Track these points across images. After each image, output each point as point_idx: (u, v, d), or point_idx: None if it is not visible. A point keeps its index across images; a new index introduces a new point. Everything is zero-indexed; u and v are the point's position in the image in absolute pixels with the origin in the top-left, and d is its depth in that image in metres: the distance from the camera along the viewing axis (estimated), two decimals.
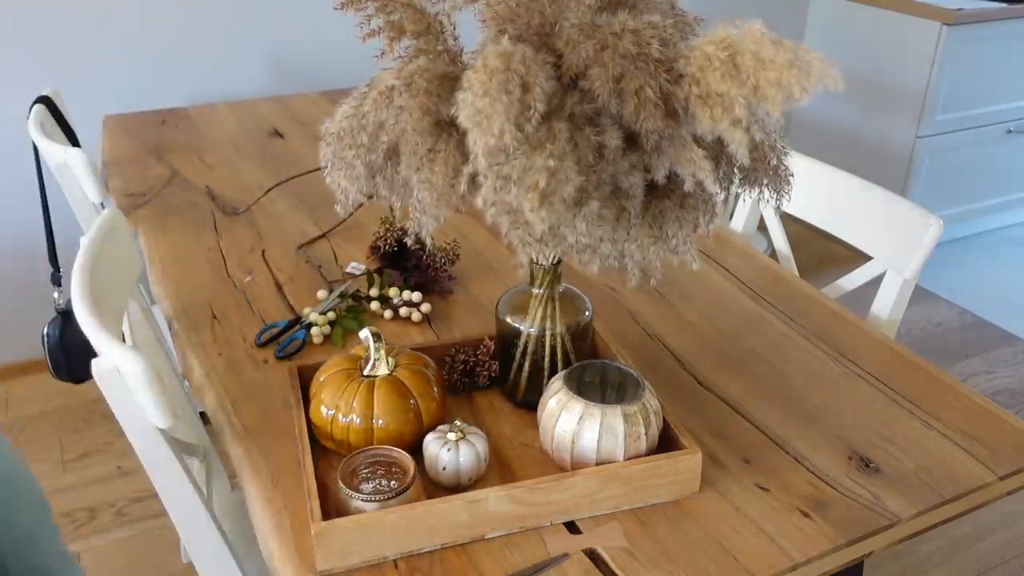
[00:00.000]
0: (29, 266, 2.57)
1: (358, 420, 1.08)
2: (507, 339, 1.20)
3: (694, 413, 1.23)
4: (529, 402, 1.19)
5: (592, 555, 1.00)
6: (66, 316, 1.73)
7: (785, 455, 1.16)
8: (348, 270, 1.56)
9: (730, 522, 1.04)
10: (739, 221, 1.91)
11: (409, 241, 1.50)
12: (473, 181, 0.95)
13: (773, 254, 1.85)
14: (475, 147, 0.86)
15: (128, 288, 1.40)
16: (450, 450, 1.04)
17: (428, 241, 1.50)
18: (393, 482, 1.00)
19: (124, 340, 1.24)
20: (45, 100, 1.96)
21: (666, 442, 1.09)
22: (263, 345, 1.34)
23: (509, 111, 0.85)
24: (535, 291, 1.17)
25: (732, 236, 1.75)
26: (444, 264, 1.51)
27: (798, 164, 1.65)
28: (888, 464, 1.15)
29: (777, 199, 1.05)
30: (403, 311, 1.42)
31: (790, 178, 1.04)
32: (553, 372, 1.18)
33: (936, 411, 1.24)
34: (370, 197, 1.07)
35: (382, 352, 1.12)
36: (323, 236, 1.69)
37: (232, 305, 1.46)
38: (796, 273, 1.69)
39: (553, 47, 0.96)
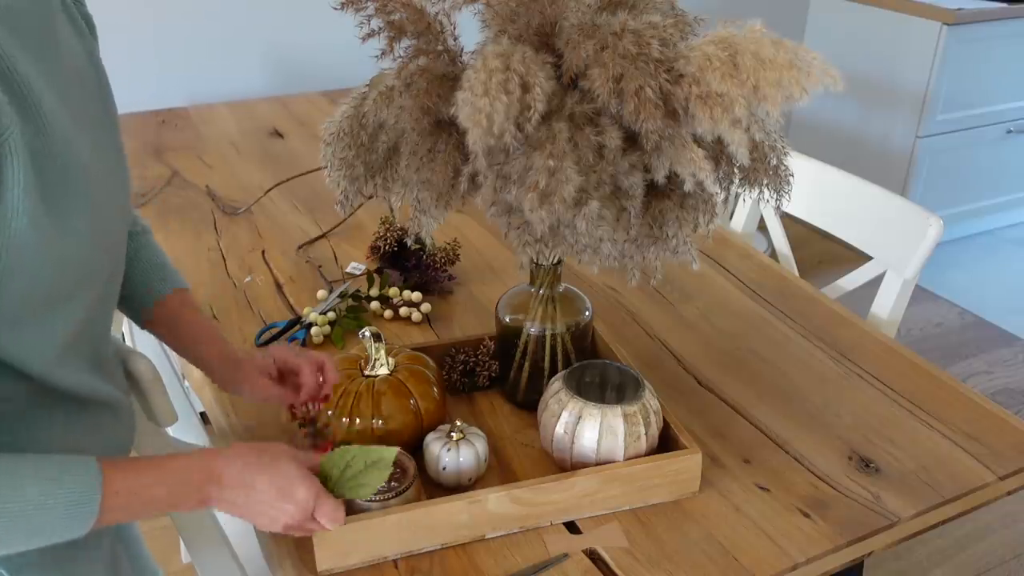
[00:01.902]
0: None
1: (358, 420, 1.08)
2: (507, 339, 1.20)
3: (694, 413, 1.23)
4: (529, 402, 1.19)
5: (592, 555, 1.00)
6: None
7: (785, 455, 1.16)
8: (348, 270, 1.56)
9: (730, 522, 1.04)
10: (739, 221, 1.91)
11: (409, 241, 1.50)
12: (473, 181, 0.95)
13: (773, 254, 1.85)
14: (475, 147, 0.86)
15: None
16: (450, 450, 1.04)
17: (428, 241, 1.50)
18: (393, 482, 1.00)
19: (124, 340, 1.24)
20: None
21: (666, 442, 1.09)
22: (263, 345, 1.34)
23: (509, 111, 0.85)
24: (535, 291, 1.17)
25: (732, 236, 1.75)
26: (444, 264, 1.51)
27: (798, 164, 1.65)
28: (888, 464, 1.14)
29: (777, 199, 1.05)
30: (403, 311, 1.42)
31: (790, 178, 1.04)
32: (553, 372, 1.18)
33: (936, 411, 1.24)
34: (370, 197, 1.07)
35: (382, 352, 1.12)
36: (323, 236, 1.68)
37: (232, 305, 1.46)
38: (796, 273, 1.69)
39: (553, 47, 0.96)
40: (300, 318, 1.39)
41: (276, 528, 0.87)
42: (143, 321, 1.07)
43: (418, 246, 1.51)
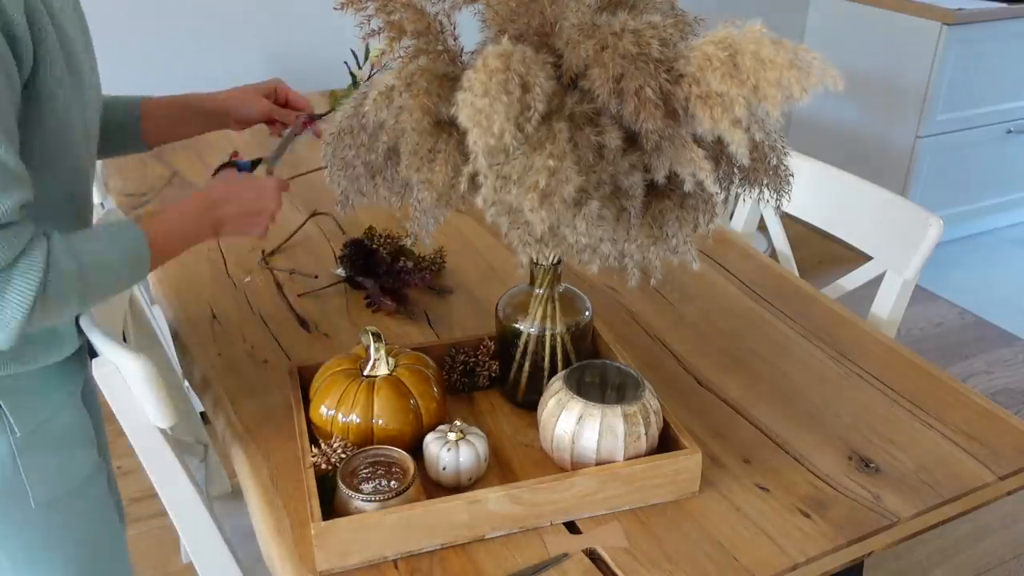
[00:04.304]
0: None
1: (358, 420, 1.08)
2: (507, 339, 1.20)
3: (694, 413, 1.23)
4: (529, 402, 1.19)
5: (592, 555, 1.00)
6: None
7: (785, 455, 1.16)
8: (336, 272, 1.55)
9: (730, 522, 1.04)
10: (739, 221, 1.91)
11: (409, 242, 1.49)
12: (473, 181, 0.95)
13: (773, 254, 1.85)
14: (475, 147, 0.86)
15: (128, 288, 1.40)
16: (450, 450, 1.04)
17: (408, 242, 1.49)
18: (393, 482, 1.00)
19: (124, 340, 1.24)
20: None
21: (666, 442, 1.09)
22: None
23: (509, 111, 0.85)
24: (535, 291, 1.17)
25: (732, 236, 1.75)
26: (427, 268, 1.50)
27: (798, 164, 1.65)
28: (888, 464, 1.14)
29: (777, 199, 1.05)
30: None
31: (790, 178, 1.04)
32: (553, 372, 1.18)
33: (936, 411, 1.24)
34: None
35: (382, 352, 1.12)
36: (276, 251, 1.63)
37: (232, 305, 1.46)
38: (796, 273, 1.69)
39: (553, 47, 0.96)
40: (262, 160, 1.32)
41: (272, 206, 1.11)
42: (144, 138, 1.24)
43: (389, 253, 1.49)
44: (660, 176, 0.93)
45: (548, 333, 1.17)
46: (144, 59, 2.49)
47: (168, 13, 2.47)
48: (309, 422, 1.12)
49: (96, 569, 1.13)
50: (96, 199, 1.75)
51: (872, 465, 1.14)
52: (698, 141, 0.92)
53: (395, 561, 0.99)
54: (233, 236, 1.11)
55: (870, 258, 1.63)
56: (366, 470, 1.02)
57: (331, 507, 1.01)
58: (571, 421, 1.04)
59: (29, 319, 0.86)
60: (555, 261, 1.14)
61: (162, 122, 1.25)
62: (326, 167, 1.08)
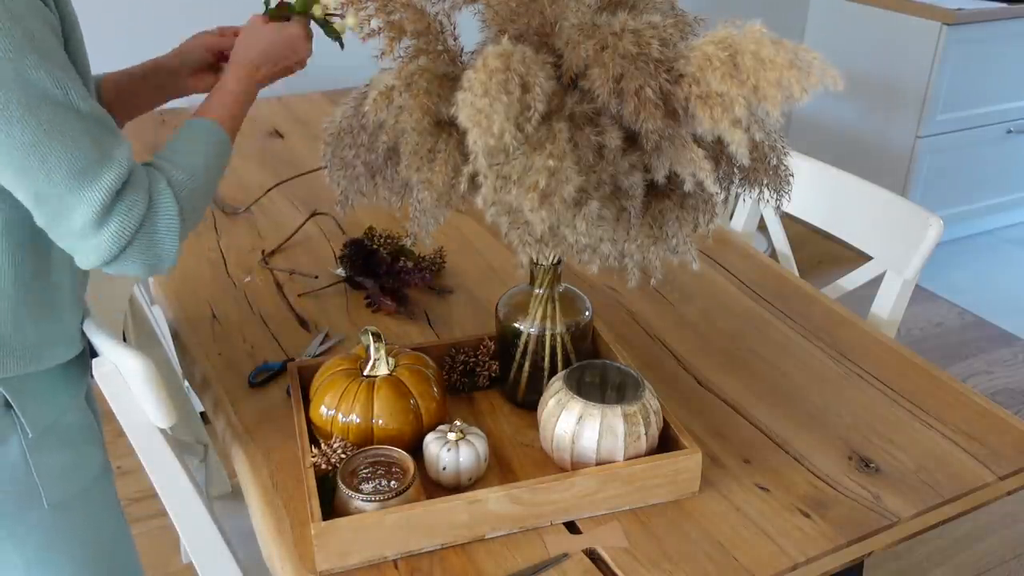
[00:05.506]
0: None
1: (358, 420, 1.08)
2: (507, 339, 1.20)
3: (694, 413, 1.23)
4: (529, 402, 1.19)
5: (592, 555, 1.00)
6: None
7: (785, 455, 1.16)
8: (336, 272, 1.55)
9: (730, 522, 1.04)
10: (739, 221, 1.91)
11: (408, 242, 1.49)
12: (473, 181, 0.95)
13: (773, 254, 1.85)
14: (475, 147, 0.86)
15: (128, 288, 1.40)
16: (450, 450, 1.04)
17: (408, 242, 1.49)
18: (393, 482, 1.00)
19: (124, 340, 1.24)
20: None
21: (666, 442, 1.09)
22: (257, 385, 1.26)
23: (509, 111, 0.85)
24: (535, 291, 1.17)
25: (732, 236, 1.75)
26: (427, 268, 1.49)
27: (798, 164, 1.65)
28: (888, 464, 1.14)
29: (777, 199, 1.05)
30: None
31: (790, 178, 1.04)
32: (553, 372, 1.18)
33: (936, 411, 1.24)
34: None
35: (382, 352, 1.12)
36: (276, 251, 1.64)
37: (232, 305, 1.46)
38: (796, 273, 1.69)
39: (553, 47, 0.96)
40: (293, 359, 1.34)
41: (303, 54, 1.19)
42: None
43: (388, 252, 1.49)
44: (660, 176, 0.93)
45: (548, 333, 1.17)
46: (142, 59, 2.48)
47: (168, 12, 2.47)
48: (309, 422, 1.12)
49: (107, 568, 1.14)
50: None
51: (872, 465, 1.14)
52: (698, 141, 0.92)
53: (395, 561, 0.99)
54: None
55: (870, 258, 1.63)
56: (366, 470, 1.02)
57: (331, 507, 1.01)
58: (571, 421, 1.04)
59: (181, 240, 0.97)
60: (555, 261, 1.14)
61: (118, 100, 1.28)
62: (326, 167, 1.08)
